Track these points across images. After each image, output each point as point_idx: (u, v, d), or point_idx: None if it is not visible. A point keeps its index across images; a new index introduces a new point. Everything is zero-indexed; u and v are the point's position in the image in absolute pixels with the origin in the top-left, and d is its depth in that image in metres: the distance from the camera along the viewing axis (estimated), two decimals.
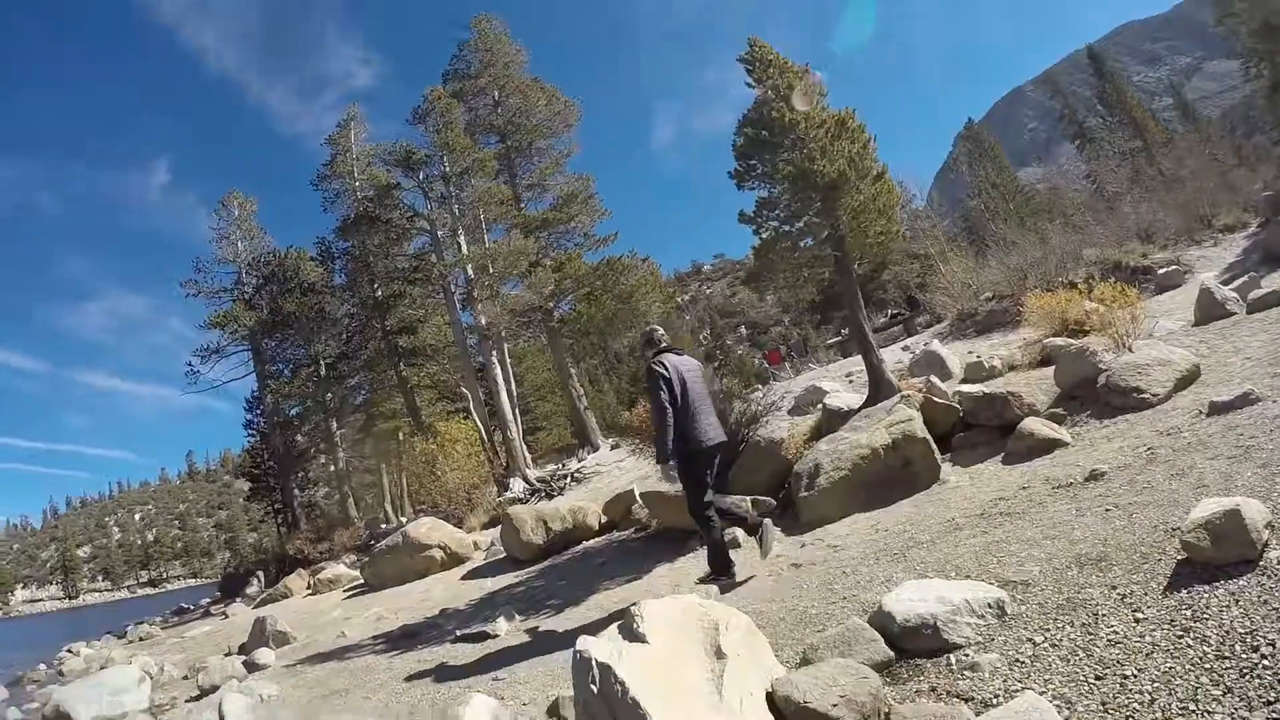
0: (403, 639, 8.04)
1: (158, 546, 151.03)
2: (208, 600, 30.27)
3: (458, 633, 7.26)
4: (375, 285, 29.64)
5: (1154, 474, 5.02)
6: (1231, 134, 43.21)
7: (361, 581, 15.22)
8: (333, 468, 34.85)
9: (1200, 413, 6.15)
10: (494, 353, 21.53)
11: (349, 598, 14.30)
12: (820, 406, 12.17)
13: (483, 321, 21.42)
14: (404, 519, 29.55)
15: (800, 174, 10.56)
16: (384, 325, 29.31)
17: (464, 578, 12.16)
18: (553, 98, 29.59)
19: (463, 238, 22.26)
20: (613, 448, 23.67)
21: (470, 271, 21.69)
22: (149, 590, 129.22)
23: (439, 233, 22.47)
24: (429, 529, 14.44)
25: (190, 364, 32.63)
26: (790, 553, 6.59)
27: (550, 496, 18.95)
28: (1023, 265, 19.26)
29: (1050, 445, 7.00)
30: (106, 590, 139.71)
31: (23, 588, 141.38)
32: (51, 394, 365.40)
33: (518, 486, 19.86)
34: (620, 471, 18.60)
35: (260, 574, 26.84)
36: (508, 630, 6.86)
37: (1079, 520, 4.60)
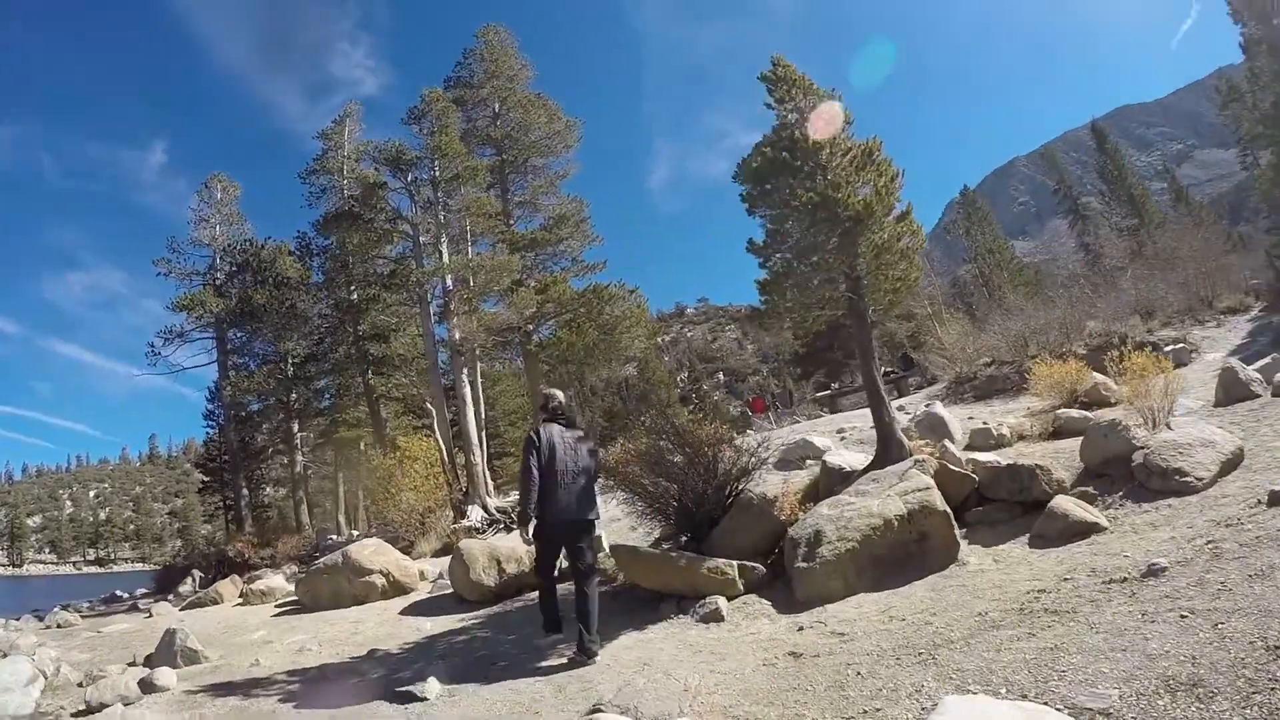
0: (320, 682, 6.95)
1: (109, 526, 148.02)
2: (141, 591, 28.62)
3: (381, 687, 6.19)
4: (352, 287, 28.46)
5: (1227, 573, 4.24)
6: (1220, 220, 43.42)
7: (295, 598, 14.01)
8: (291, 470, 33.39)
9: (1259, 501, 5.46)
10: (465, 370, 20.35)
11: (278, 615, 13.07)
12: (812, 463, 11.23)
13: (456, 336, 20.24)
14: (355, 532, 28.26)
15: (821, 202, 9.59)
16: (356, 330, 28.02)
17: (403, 612, 11.00)
18: (554, 116, 28.71)
19: (445, 246, 21.13)
20: None
21: (449, 282, 20.55)
22: (95, 569, 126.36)
23: (421, 238, 21.34)
24: (373, 552, 13.23)
25: (152, 344, 31.12)
26: (786, 636, 5.59)
27: (510, 529, 17.79)
28: (1024, 332, 18.55)
29: (1086, 529, 6.15)
30: (51, 564, 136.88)
31: None
32: (23, 359, 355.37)
33: (476, 515, 18.66)
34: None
35: (196, 573, 25.35)
36: (438, 695, 5.73)
37: (1149, 627, 3.79)
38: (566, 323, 23.97)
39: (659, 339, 78.25)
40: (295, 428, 33.55)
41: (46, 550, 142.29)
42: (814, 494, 9.36)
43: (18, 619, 19.73)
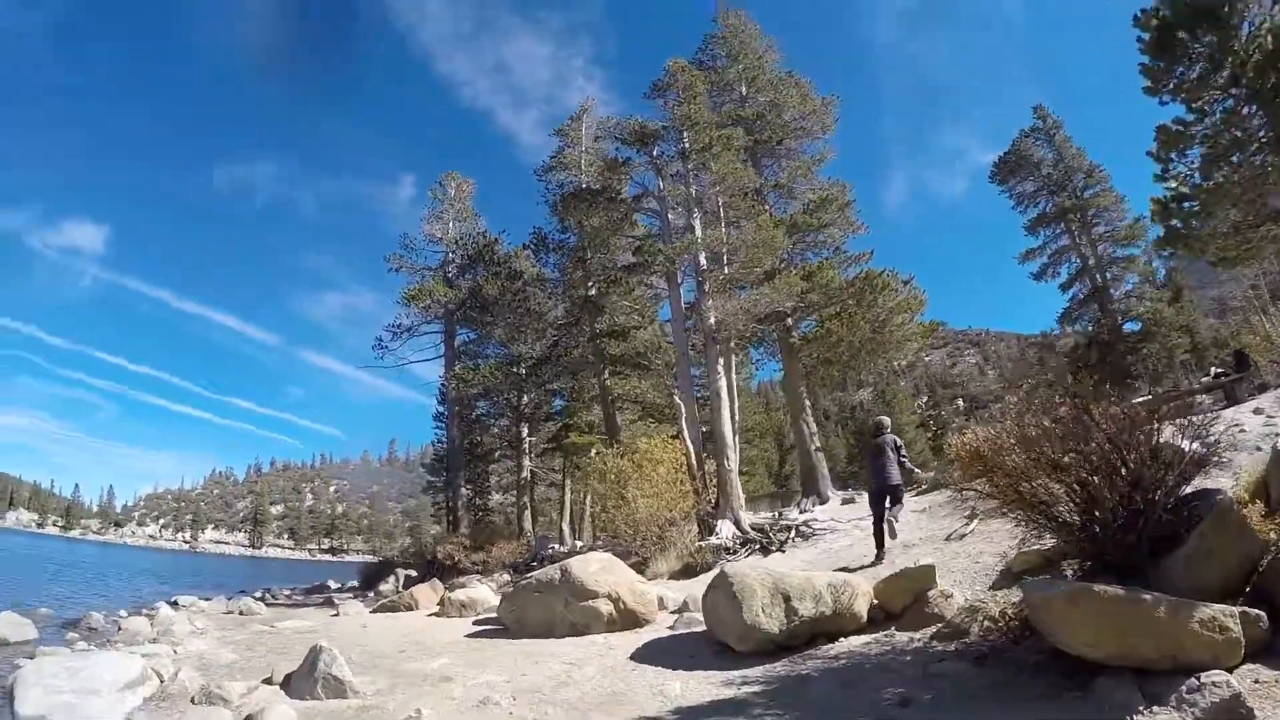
0: None
1: (344, 519, 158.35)
2: (351, 584, 28.19)
3: None
4: (590, 283, 25.92)
5: None
6: None
7: (497, 616, 11.18)
8: (517, 476, 31.59)
9: None
10: (720, 361, 17.08)
11: (474, 635, 10.25)
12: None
13: (711, 321, 17.03)
14: (579, 543, 25.72)
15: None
16: (594, 327, 25.50)
17: (636, 656, 7.84)
18: (807, 95, 25.20)
19: (698, 220, 18.13)
20: (845, 502, 18.82)
21: (703, 260, 17.47)
22: (328, 557, 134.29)
23: (670, 215, 18.42)
24: (600, 569, 10.18)
25: (380, 339, 30.26)
26: None
27: (767, 551, 14.35)
28: None
29: None
30: (289, 548, 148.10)
31: (213, 529, 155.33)
32: (281, 366, 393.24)
33: (726, 532, 15.27)
34: (861, 533, 13.91)
35: (401, 572, 23.62)
36: None
37: None
38: (834, 315, 20.33)
39: (897, 363, 72.76)
40: (524, 431, 31.76)
41: (285, 536, 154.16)
42: (1263, 495, 6.50)
43: (208, 599, 18.91)
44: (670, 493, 15.57)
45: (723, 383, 16.87)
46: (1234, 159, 7.82)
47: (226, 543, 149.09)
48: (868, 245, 23.67)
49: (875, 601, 7.78)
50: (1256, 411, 12.67)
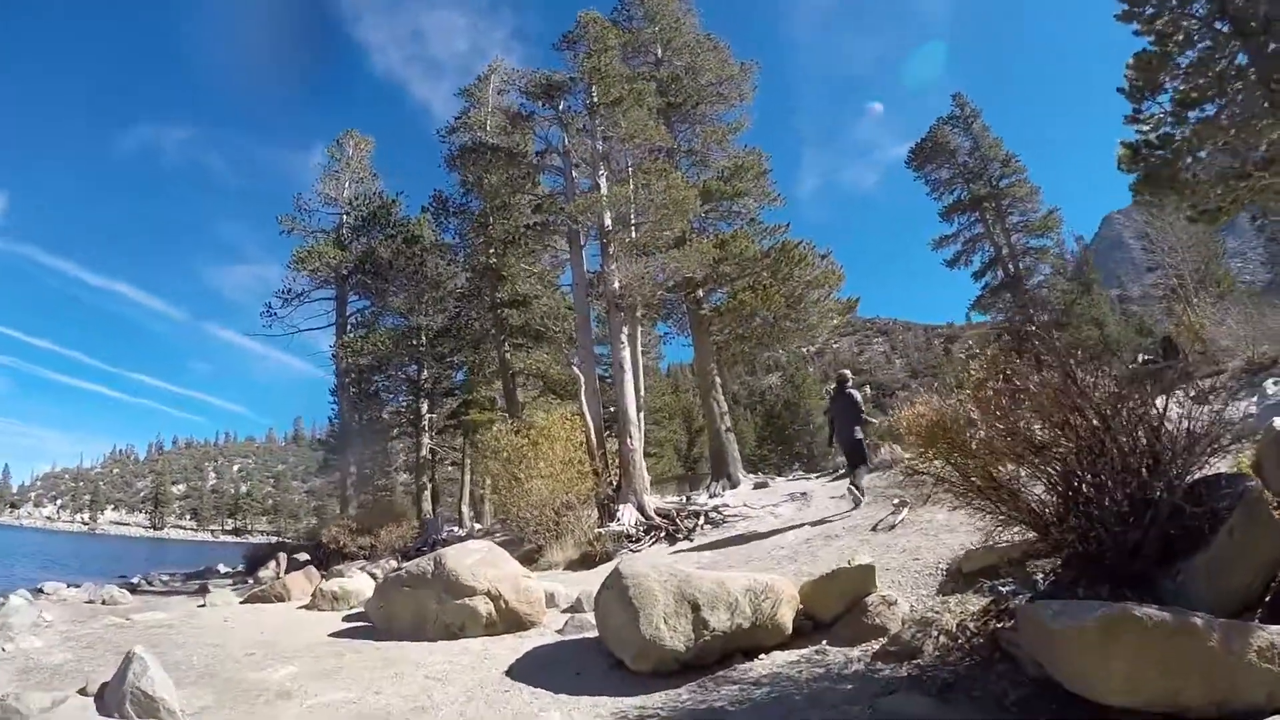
0: None
1: (248, 499, 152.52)
2: (238, 569, 25.49)
3: None
4: (492, 248, 24.00)
5: None
6: None
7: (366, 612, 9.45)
8: (416, 455, 29.71)
9: None
10: (624, 330, 15.46)
11: (338, 635, 8.41)
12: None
13: (615, 286, 15.42)
14: (478, 526, 24.02)
15: None
16: (494, 296, 23.64)
17: (512, 671, 6.33)
18: (726, 60, 23.57)
19: (604, 178, 16.50)
20: (757, 486, 17.49)
21: (608, 221, 15.87)
22: (231, 538, 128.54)
23: (573, 171, 16.73)
24: (479, 561, 8.49)
25: (269, 305, 27.89)
26: None
27: (674, 539, 12.89)
28: None
29: None
30: (190, 530, 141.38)
31: (113, 509, 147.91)
32: (187, 341, 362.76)
33: (629, 517, 13.70)
34: (775, 519, 12.58)
35: (283, 557, 21.54)
36: None
37: None
38: (747, 287, 18.87)
39: (805, 350, 72.59)
40: (424, 408, 29.81)
41: (188, 517, 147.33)
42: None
43: (77, 585, 16.46)
44: (567, 473, 13.98)
45: (626, 353, 15.25)
46: (1216, 101, 6.66)
47: (127, 524, 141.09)
48: (783, 220, 22.26)
49: (802, 607, 6.35)
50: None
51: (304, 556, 20.91)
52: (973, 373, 6.66)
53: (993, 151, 34.99)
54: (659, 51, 24.04)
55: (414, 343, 28.98)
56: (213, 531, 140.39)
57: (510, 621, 8.07)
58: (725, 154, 22.72)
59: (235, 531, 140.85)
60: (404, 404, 31.38)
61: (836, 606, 6.22)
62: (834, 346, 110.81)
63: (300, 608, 11.17)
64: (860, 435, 11.40)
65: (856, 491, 10.97)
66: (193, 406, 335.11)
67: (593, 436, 14.58)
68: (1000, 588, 5.43)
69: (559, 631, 7.71)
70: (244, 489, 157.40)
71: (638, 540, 13.11)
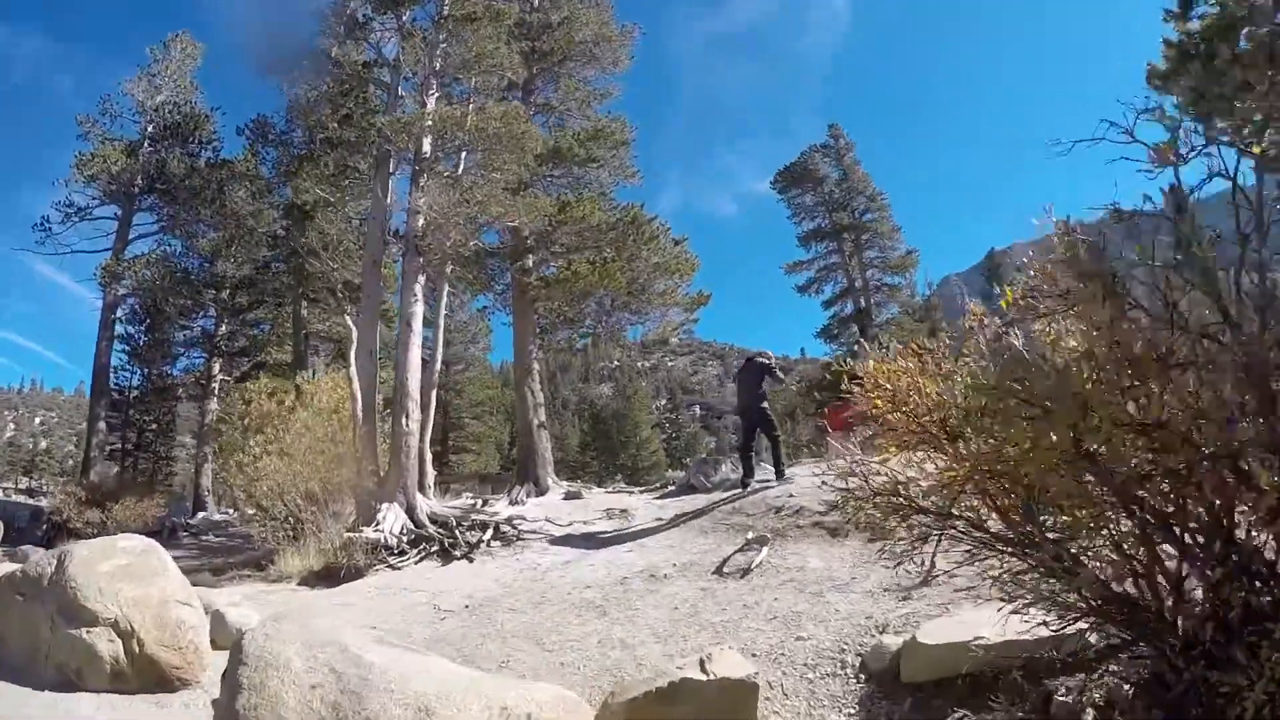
0: None
1: (46, 458, 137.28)
2: None
3: None
4: (305, 183, 19.19)
5: None
6: None
7: None
8: (200, 421, 25.20)
9: None
10: (420, 279, 11.72)
11: None
12: None
13: (419, 222, 11.72)
14: (222, 513, 19.73)
15: None
16: (301, 243, 19.35)
17: None
18: (607, 19, 20.17)
19: (434, 97, 12.84)
20: (569, 497, 14.08)
21: (427, 146, 12.25)
22: (24, 498, 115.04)
23: (400, 87, 13.01)
24: (121, 570, 5.09)
25: (45, 219, 22.79)
26: None
27: (448, 555, 9.42)
28: None
29: None
30: None
31: None
32: (5, 278, 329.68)
33: (394, 521, 9.93)
34: (587, 542, 9.39)
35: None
36: None
37: None
38: (586, 261, 15.48)
39: (640, 363, 70.82)
40: (216, 368, 25.03)
41: None
42: None
43: None
44: (321, 455, 10.25)
45: (419, 310, 11.40)
46: None
47: None
48: (639, 198, 19.00)
49: None
50: None
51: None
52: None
53: (860, 185, 33.75)
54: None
55: (216, 291, 24.28)
56: (4, 490, 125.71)
57: (148, 675, 4.84)
58: (587, 118, 19.36)
59: (29, 492, 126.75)
60: (201, 363, 26.18)
61: None
62: (669, 365, 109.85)
63: None
64: (765, 404, 10.33)
65: (780, 467, 10.05)
66: (6, 349, 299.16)
67: (359, 409, 10.78)
68: None
69: (213, 704, 4.34)
70: (44, 445, 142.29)
71: (401, 553, 9.57)
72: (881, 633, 4.28)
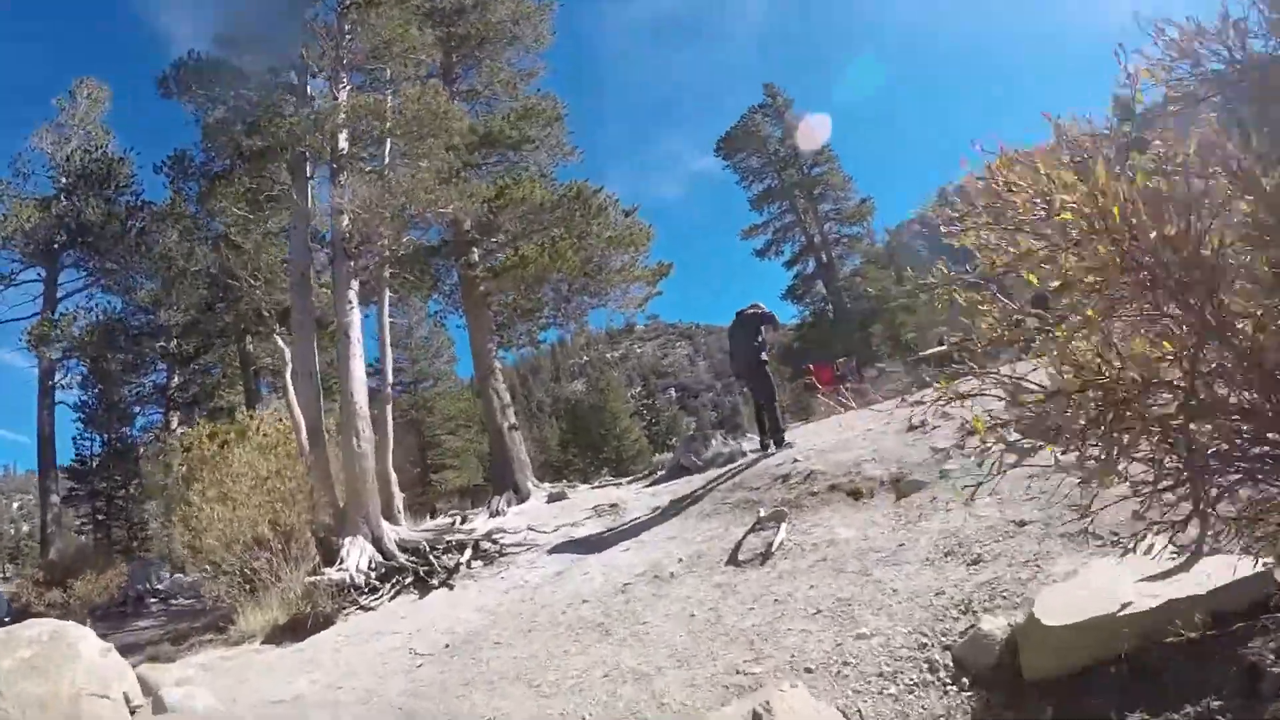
0: None
1: (30, 541, 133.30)
2: None
3: None
4: (222, 203, 17.71)
5: None
6: None
7: None
8: (165, 480, 23.18)
9: None
10: (354, 285, 10.44)
11: None
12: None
13: (345, 223, 10.49)
14: (189, 574, 18.43)
15: None
16: (223, 268, 17.85)
17: None
18: None
19: (346, 90, 11.66)
20: (553, 499, 12.96)
21: (344, 142, 11.03)
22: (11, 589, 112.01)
23: (307, 80, 11.75)
24: (19, 666, 4.21)
25: None
26: None
27: (426, 585, 8.33)
28: None
29: None
30: None
31: None
32: None
33: (358, 557, 8.64)
34: (578, 547, 8.34)
35: None
36: None
37: None
38: (534, 245, 14.30)
39: (609, 354, 70.00)
40: (175, 422, 23.65)
41: None
42: None
43: None
44: (270, 495, 9.05)
45: (355, 318, 10.09)
46: None
47: None
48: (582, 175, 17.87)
49: None
50: None
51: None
52: None
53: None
54: None
55: (165, 342, 23.00)
56: None
57: None
58: (515, 100, 18.17)
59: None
60: (159, 419, 25.16)
61: None
62: (638, 352, 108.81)
63: None
64: (764, 356, 9.44)
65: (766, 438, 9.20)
66: None
67: (304, 437, 9.58)
68: None
69: None
70: (25, 529, 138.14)
71: (372, 590, 8.42)
72: (965, 613, 3.26)
